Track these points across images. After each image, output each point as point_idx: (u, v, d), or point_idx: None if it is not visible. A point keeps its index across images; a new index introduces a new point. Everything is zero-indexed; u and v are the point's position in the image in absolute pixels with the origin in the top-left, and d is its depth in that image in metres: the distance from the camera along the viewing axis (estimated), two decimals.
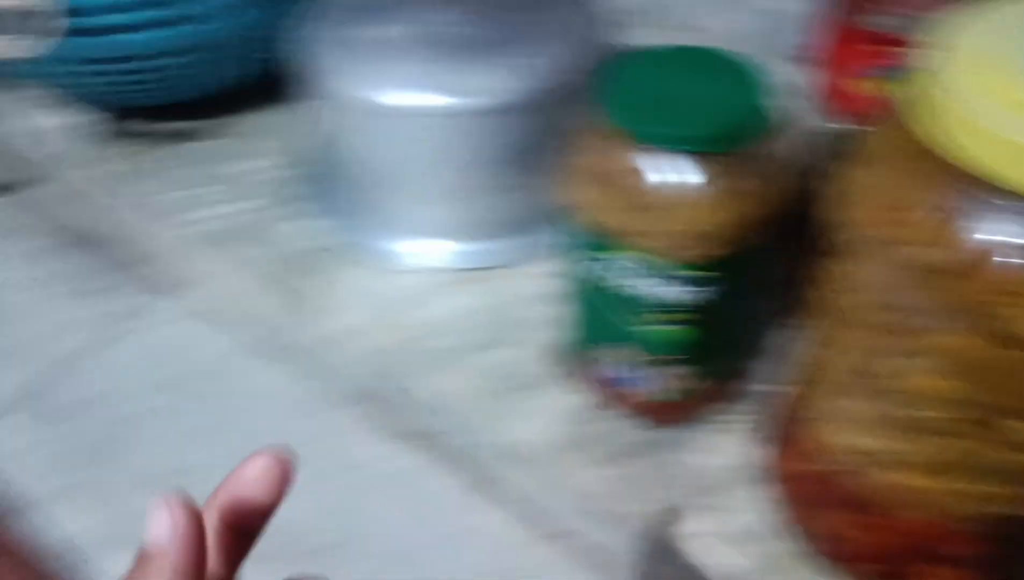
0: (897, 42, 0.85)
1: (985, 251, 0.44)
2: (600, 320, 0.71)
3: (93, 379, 1.04)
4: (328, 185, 0.99)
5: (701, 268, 0.64)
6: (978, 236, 0.45)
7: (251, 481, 0.43)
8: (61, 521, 0.91)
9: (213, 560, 0.41)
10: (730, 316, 0.70)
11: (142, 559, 0.38)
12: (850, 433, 0.59)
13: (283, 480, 0.43)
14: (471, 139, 0.84)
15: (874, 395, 0.55)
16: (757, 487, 0.73)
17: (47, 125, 1.19)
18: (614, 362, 0.73)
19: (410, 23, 0.90)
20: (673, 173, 0.61)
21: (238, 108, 1.12)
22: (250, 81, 1.08)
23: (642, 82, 0.64)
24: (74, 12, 0.91)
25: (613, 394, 0.77)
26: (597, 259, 0.67)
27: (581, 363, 0.78)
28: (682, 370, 0.72)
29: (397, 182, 0.89)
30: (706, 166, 0.61)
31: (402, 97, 0.84)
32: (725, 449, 0.77)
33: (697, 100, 0.63)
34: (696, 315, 0.67)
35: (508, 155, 0.86)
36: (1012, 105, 0.42)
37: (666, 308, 0.66)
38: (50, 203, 1.22)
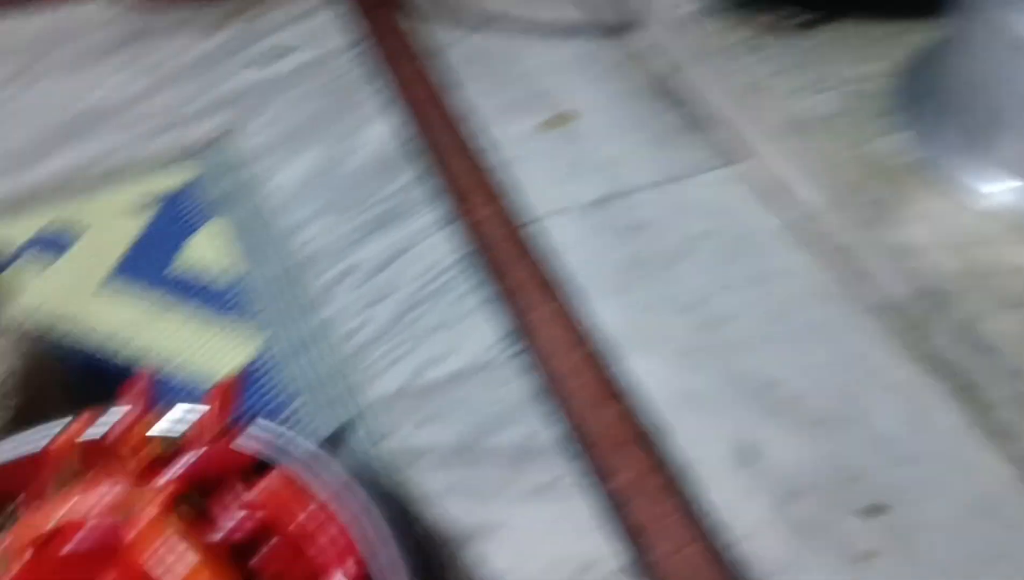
0: None
1: None
2: None
3: (648, 211, 1.19)
4: (929, 106, 1.02)
5: None
6: None
7: None
8: (602, 314, 1.08)
9: None
10: None
11: None
12: None
13: None
14: None
15: None
16: None
17: None
18: None
19: None
20: None
21: (863, 14, 1.17)
22: None
23: None
24: None
25: None
26: None
27: None
28: None
29: None
30: None
31: None
32: None
33: None
34: None
35: None
36: None
37: None
38: (652, 56, 1.38)
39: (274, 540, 0.76)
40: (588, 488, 0.93)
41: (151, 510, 0.68)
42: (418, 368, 1.05)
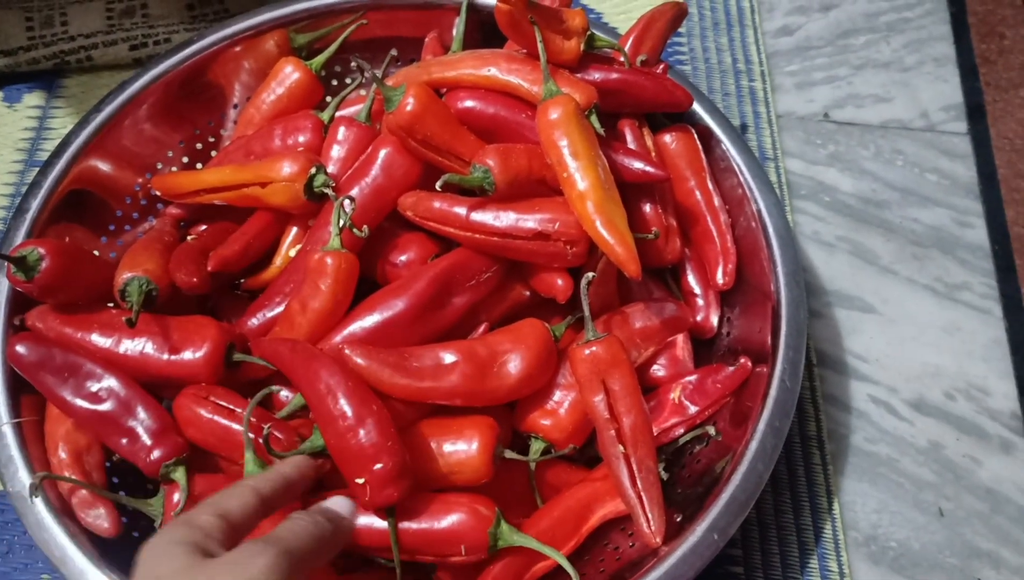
0: None
1: None
2: None
3: None
4: None
5: None
6: None
7: None
8: None
9: None
10: None
11: None
12: None
13: None
14: None
15: None
16: None
17: None
18: None
19: None
20: None
21: None
22: None
23: None
24: None
25: None
26: None
27: None
28: None
29: None
30: None
31: None
32: None
33: None
34: None
35: None
36: None
37: None
38: None
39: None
40: (1005, 311, 0.75)
41: (564, 103, 0.57)
42: (842, 100, 0.87)
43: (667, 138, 0.68)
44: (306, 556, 0.42)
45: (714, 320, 0.66)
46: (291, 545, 0.41)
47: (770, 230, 0.64)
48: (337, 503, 0.48)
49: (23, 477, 0.55)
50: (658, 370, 0.64)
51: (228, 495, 0.44)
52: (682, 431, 0.61)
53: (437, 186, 0.55)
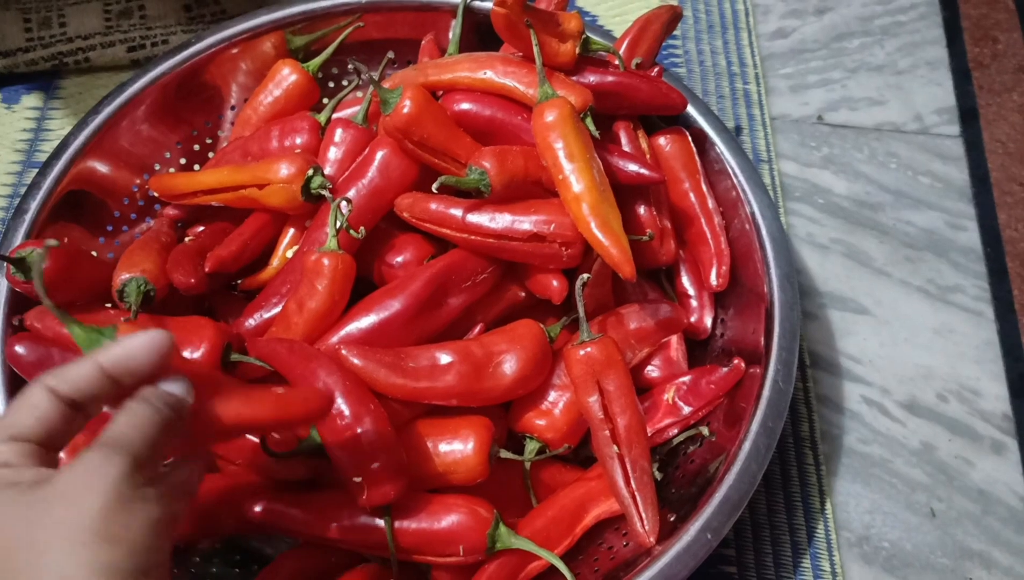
0: None
1: None
2: None
3: None
4: None
5: None
6: None
7: None
8: None
9: None
10: None
11: None
12: None
13: None
14: None
15: None
16: None
17: None
18: None
19: None
20: None
21: None
22: None
23: None
24: None
25: None
26: None
27: None
28: None
29: None
30: None
31: None
32: None
33: None
34: None
35: None
36: None
37: None
38: None
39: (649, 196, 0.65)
40: (997, 313, 0.76)
41: (559, 105, 0.58)
42: (835, 103, 0.87)
43: (662, 140, 0.68)
44: (152, 451, 0.37)
45: (708, 321, 0.67)
46: (135, 444, 0.36)
47: (764, 232, 0.64)
48: (172, 385, 0.42)
49: None
50: (652, 371, 0.65)
51: (19, 409, 0.37)
52: (676, 431, 0.62)
53: (433, 188, 0.56)
